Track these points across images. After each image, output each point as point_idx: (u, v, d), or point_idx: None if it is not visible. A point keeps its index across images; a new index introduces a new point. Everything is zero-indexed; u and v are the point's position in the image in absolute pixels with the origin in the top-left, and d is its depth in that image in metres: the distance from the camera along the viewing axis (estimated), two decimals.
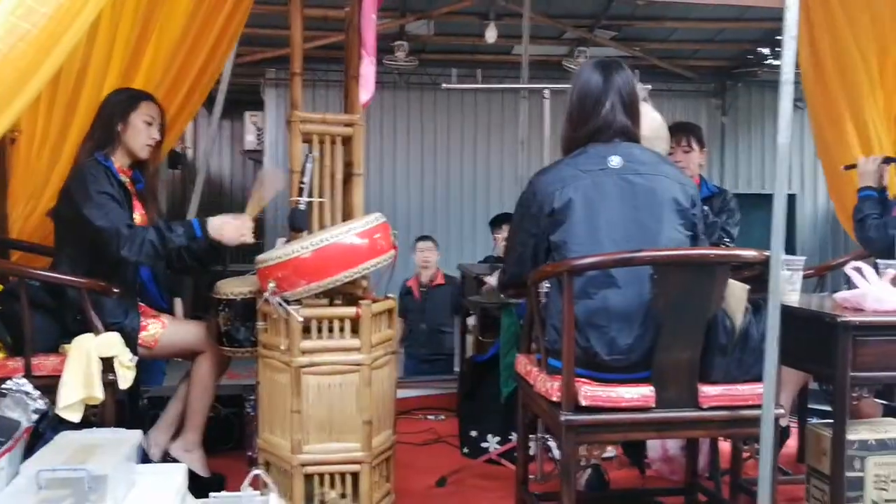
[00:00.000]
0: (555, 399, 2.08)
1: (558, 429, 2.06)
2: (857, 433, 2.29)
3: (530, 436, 2.98)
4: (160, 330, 2.78)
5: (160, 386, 3.81)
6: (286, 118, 2.71)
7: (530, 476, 2.78)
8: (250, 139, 8.29)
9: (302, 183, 2.61)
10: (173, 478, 2.03)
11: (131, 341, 2.66)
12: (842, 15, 3.63)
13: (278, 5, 5.20)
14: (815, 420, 2.94)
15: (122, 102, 2.80)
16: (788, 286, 2.43)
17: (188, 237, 2.63)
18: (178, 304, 3.92)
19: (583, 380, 2.09)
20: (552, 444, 3.12)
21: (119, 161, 2.78)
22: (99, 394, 2.42)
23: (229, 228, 2.68)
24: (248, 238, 2.72)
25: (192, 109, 3.61)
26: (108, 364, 2.48)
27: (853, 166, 3.26)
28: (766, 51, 6.90)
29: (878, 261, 2.47)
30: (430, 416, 4.10)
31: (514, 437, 3.13)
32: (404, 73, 7.13)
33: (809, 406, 3.27)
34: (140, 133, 2.79)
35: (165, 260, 2.85)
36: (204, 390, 2.89)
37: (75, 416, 2.40)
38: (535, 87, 3.39)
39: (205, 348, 2.87)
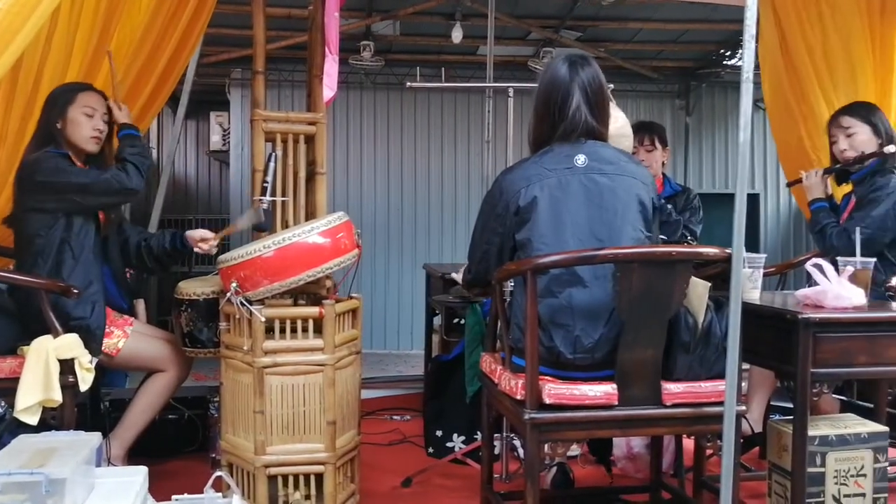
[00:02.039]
0: (519, 397, 2.08)
1: (522, 427, 2.06)
2: (818, 429, 2.32)
3: (495, 435, 2.98)
4: (123, 340, 2.73)
5: (122, 388, 3.75)
6: (250, 117, 2.69)
7: (495, 475, 2.78)
8: (216, 139, 8.20)
9: (265, 182, 2.59)
10: (133, 481, 1.99)
11: (96, 339, 2.62)
12: (794, 17, 3.71)
13: (243, 5, 5.17)
14: (776, 417, 2.98)
15: (59, 98, 2.73)
16: (750, 284, 2.45)
17: (136, 138, 2.78)
18: (140, 305, 3.85)
19: (547, 378, 2.09)
20: (517, 443, 3.13)
21: (72, 158, 2.73)
22: (57, 396, 2.38)
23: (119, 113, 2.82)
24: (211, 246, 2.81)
25: (155, 109, 3.57)
26: (66, 366, 2.43)
27: (797, 182, 3.31)
28: (728, 52, 6.99)
29: (838, 258, 2.51)
30: (395, 417, 4.09)
31: (479, 436, 3.13)
32: (370, 73, 7.11)
33: (771, 403, 3.31)
34: (80, 126, 2.72)
35: (127, 258, 2.88)
36: (149, 405, 2.85)
37: (33, 419, 2.36)
38: (500, 87, 3.40)
39: (166, 368, 2.84)
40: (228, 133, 7.67)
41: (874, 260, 2.55)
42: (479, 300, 3.12)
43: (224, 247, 2.89)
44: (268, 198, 2.57)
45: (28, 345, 2.45)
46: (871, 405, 2.74)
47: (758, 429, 3.11)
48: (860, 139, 3.05)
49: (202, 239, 2.80)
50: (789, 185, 3.60)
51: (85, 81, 2.94)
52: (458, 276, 2.73)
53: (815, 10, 3.70)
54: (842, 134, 3.09)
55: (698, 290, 2.11)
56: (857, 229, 2.69)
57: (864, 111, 3.11)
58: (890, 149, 2.97)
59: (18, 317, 2.63)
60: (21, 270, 2.66)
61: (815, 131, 3.75)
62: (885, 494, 2.36)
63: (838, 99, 3.64)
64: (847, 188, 3.25)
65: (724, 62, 7.20)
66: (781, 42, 3.80)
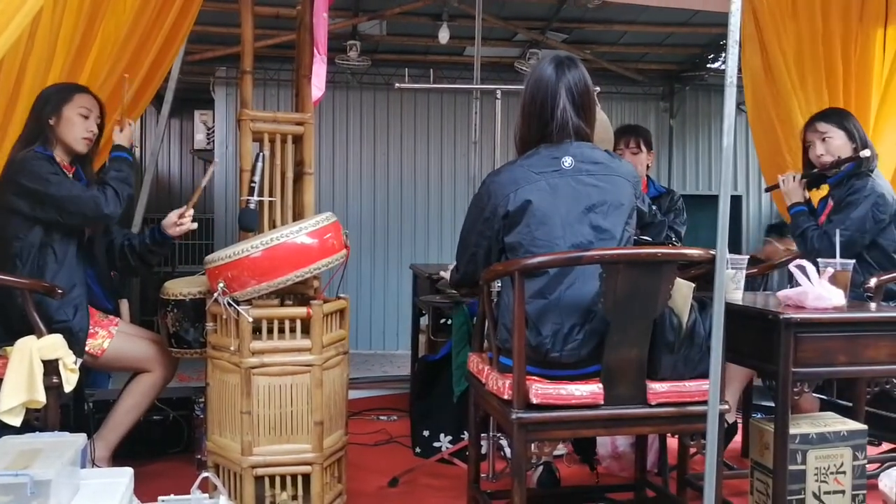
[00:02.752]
0: (506, 397, 2.10)
1: (510, 426, 2.07)
2: (799, 427, 2.35)
3: (482, 434, 2.99)
4: (108, 340, 2.73)
5: (105, 389, 3.74)
6: (237, 117, 2.69)
7: (482, 475, 2.80)
8: (200, 138, 8.17)
9: (252, 182, 2.59)
10: (119, 482, 1.99)
11: (78, 342, 2.61)
12: (770, 24, 3.76)
13: (229, 3, 5.15)
14: (758, 415, 3.02)
15: (55, 95, 2.73)
16: (733, 284, 2.49)
17: (126, 161, 2.76)
18: (124, 305, 3.84)
19: (534, 378, 2.11)
20: (504, 442, 3.15)
21: (59, 157, 2.72)
22: (41, 397, 2.37)
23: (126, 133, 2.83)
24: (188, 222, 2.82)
25: (140, 109, 3.56)
26: (50, 367, 2.42)
27: (775, 187, 3.35)
28: (712, 55, 7.05)
29: (819, 260, 2.55)
30: (381, 417, 4.10)
31: (465, 436, 3.14)
32: (356, 72, 7.11)
33: (753, 402, 3.35)
34: (75, 126, 2.73)
35: (112, 259, 2.87)
36: (135, 406, 2.85)
37: (16, 421, 2.35)
38: (488, 88, 3.41)
39: (152, 368, 2.83)
40: (213, 132, 7.64)
41: (853, 262, 2.59)
42: (466, 300, 3.13)
43: (212, 247, 2.89)
44: (255, 198, 2.58)
45: (11, 345, 2.43)
46: (850, 404, 2.78)
47: (731, 420, 3.19)
48: (836, 144, 3.10)
49: (179, 216, 2.83)
50: (767, 189, 3.63)
51: (71, 81, 2.93)
52: (446, 274, 2.75)
53: (792, 17, 3.74)
54: (818, 139, 3.14)
55: (683, 291, 2.14)
56: (837, 231, 2.73)
57: (838, 117, 3.16)
58: (865, 153, 3.02)
59: (1, 316, 2.62)
60: (2, 269, 2.65)
61: (791, 135, 3.81)
62: (864, 491, 2.40)
63: (818, 104, 3.69)
64: (823, 192, 3.30)
65: (708, 65, 7.26)
66: (761, 46, 3.85)
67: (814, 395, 3.05)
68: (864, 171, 3.05)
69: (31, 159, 2.61)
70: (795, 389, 2.24)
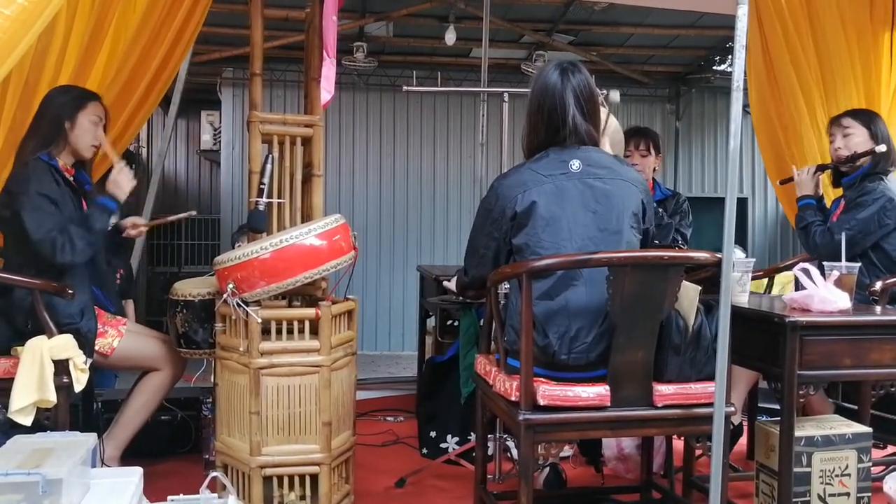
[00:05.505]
0: (513, 398, 2.11)
1: (517, 428, 2.08)
2: (804, 430, 2.36)
3: (489, 436, 3.01)
4: (118, 339, 2.75)
5: (112, 389, 3.76)
6: (246, 119, 2.71)
7: (489, 476, 2.81)
8: (206, 139, 8.20)
9: (261, 184, 2.61)
10: (129, 482, 2.01)
11: (87, 343, 2.62)
12: (779, 28, 3.76)
13: (236, 4, 5.17)
14: (764, 418, 3.03)
15: (71, 101, 2.75)
16: (739, 287, 2.49)
17: (108, 213, 2.70)
18: (129, 306, 3.87)
19: (541, 379, 2.12)
20: (510, 443, 3.16)
21: (63, 160, 2.74)
22: (52, 397, 2.39)
23: (123, 180, 2.74)
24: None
25: (148, 110, 3.57)
26: (60, 366, 2.44)
27: (789, 179, 3.36)
28: (718, 58, 7.06)
29: (824, 263, 2.56)
30: (388, 418, 4.12)
31: (472, 437, 3.16)
32: (363, 74, 7.13)
33: (759, 405, 3.36)
34: (87, 133, 2.75)
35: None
36: (144, 405, 2.86)
37: (27, 420, 2.37)
38: (496, 91, 3.42)
39: (161, 366, 2.85)
40: (219, 132, 7.67)
41: (859, 265, 2.60)
42: (474, 303, 3.14)
43: (219, 248, 2.91)
44: (264, 199, 2.60)
45: (22, 345, 2.45)
46: (855, 407, 2.79)
47: (736, 421, 3.19)
48: (856, 141, 3.11)
49: (133, 225, 2.97)
50: (781, 182, 3.62)
51: (79, 85, 2.95)
52: (450, 284, 2.76)
53: (805, 22, 3.74)
54: (840, 133, 3.15)
55: (689, 294, 2.15)
56: (843, 233, 2.73)
57: (866, 116, 3.18)
58: (881, 148, 3.02)
59: (9, 316, 2.63)
60: (9, 268, 2.66)
61: (795, 140, 3.81)
62: (869, 494, 2.41)
63: (828, 110, 3.69)
64: (838, 193, 3.31)
65: (714, 68, 7.26)
66: (764, 52, 3.86)
67: (828, 398, 3.05)
68: (878, 173, 3.05)
69: (32, 173, 2.61)
70: (801, 392, 2.25)
